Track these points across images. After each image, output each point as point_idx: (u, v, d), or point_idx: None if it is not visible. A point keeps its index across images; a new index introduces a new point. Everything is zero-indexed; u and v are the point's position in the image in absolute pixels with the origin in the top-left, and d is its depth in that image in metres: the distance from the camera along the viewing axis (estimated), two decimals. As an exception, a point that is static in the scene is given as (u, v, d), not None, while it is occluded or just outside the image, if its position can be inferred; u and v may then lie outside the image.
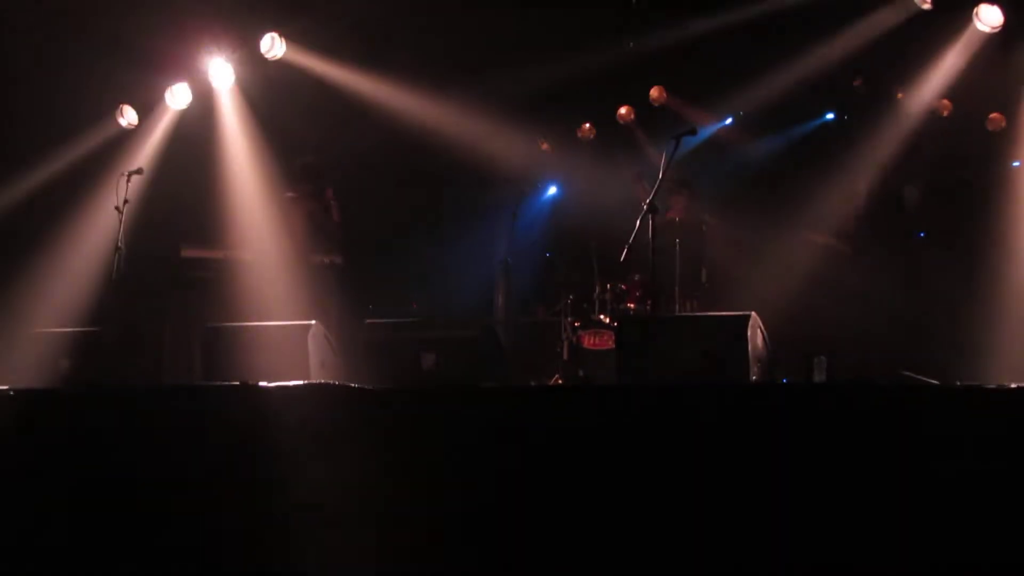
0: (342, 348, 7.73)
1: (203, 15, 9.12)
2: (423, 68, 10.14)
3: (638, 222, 7.41)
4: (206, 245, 9.40)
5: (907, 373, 7.99)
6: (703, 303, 9.50)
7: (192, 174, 10.36)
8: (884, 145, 9.97)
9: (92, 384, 5.88)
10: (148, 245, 9.52)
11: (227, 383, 6.17)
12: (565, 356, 9.10)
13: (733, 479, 4.38)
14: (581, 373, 8.89)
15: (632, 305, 9.08)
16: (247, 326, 7.85)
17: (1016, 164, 10.91)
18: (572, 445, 4.69)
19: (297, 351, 7.08)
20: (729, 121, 11.59)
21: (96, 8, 8.69)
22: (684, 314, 8.93)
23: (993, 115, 10.65)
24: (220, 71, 9.76)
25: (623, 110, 11.43)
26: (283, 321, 8.31)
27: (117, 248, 7.95)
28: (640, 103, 11.15)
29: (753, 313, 6.25)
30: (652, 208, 7.34)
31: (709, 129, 11.35)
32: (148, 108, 9.95)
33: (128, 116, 9.92)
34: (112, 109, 9.89)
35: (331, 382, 6.47)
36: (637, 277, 9.06)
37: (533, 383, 9.60)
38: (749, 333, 5.96)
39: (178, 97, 9.88)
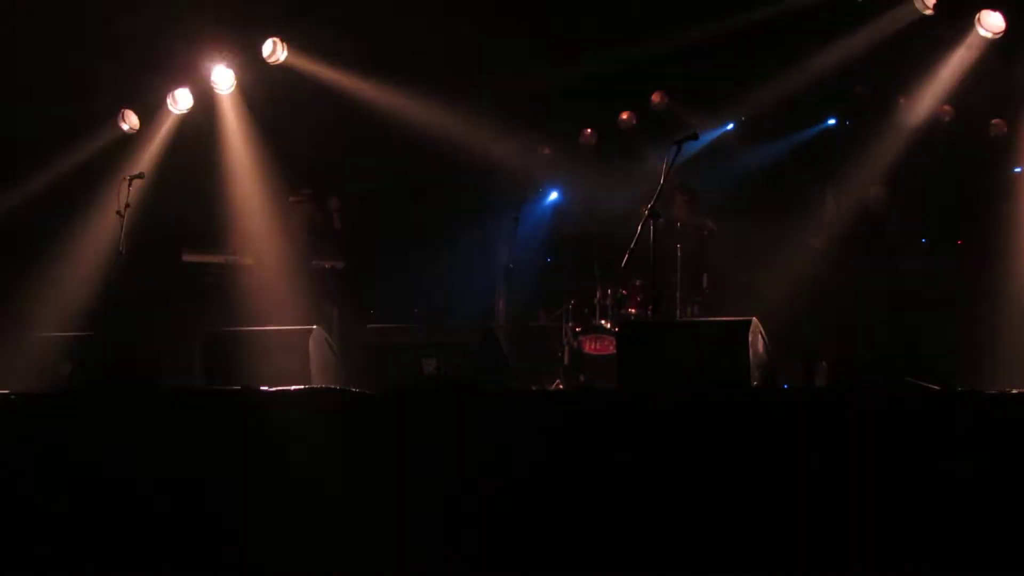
0: (343, 353, 7.73)
1: (205, 20, 9.12)
2: (425, 73, 10.13)
3: (639, 227, 7.42)
4: (207, 250, 9.40)
5: (908, 379, 7.97)
6: (704, 308, 9.50)
7: (194, 179, 10.36)
8: (885, 150, 9.96)
9: (93, 389, 5.87)
10: (149, 250, 9.53)
11: (228, 388, 6.17)
12: (566, 361, 9.10)
13: (735, 484, 4.37)
14: (582, 378, 8.88)
15: (633, 310, 9.08)
16: (248, 331, 7.85)
17: (1018, 170, 10.91)
18: (572, 448, 4.69)
19: (298, 356, 7.08)
20: (731, 126, 11.59)
21: (98, 13, 8.70)
22: (685, 319, 8.92)
23: (995, 121, 10.65)
24: (222, 76, 9.77)
25: (625, 115, 11.43)
26: (284, 326, 8.32)
27: (118, 252, 7.94)
28: (642, 108, 11.14)
29: (754, 319, 6.24)
30: (654, 213, 7.35)
31: (711, 134, 11.34)
32: (150, 113, 9.96)
33: (130, 121, 9.92)
34: (114, 114, 9.90)
35: (332, 387, 6.47)
36: (638, 282, 9.06)
37: (534, 388, 9.61)
38: (750, 339, 5.95)
39: (180, 102, 9.89)
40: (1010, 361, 8.66)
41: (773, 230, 10.99)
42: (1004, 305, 8.97)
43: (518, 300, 10.05)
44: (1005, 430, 4.15)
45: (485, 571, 4.65)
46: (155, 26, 8.84)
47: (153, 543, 5.16)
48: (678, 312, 9.08)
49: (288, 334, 7.44)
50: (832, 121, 11.33)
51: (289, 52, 9.77)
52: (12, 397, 5.69)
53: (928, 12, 9.04)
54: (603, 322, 9.09)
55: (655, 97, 10.99)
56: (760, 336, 6.25)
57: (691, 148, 8.36)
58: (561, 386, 9.13)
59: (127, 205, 8.16)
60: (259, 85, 9.97)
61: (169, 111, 9.96)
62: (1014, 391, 4.41)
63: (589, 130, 11.79)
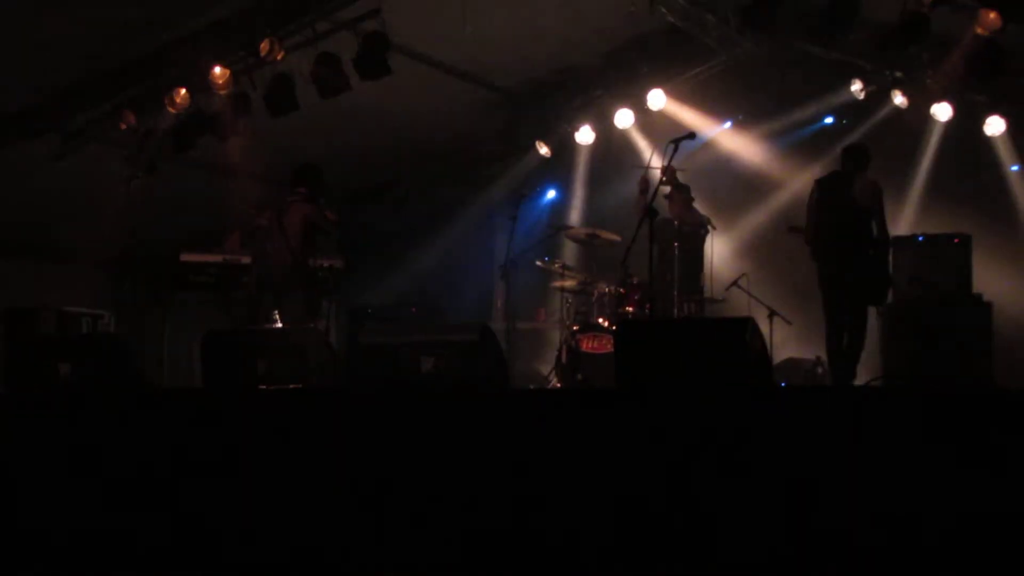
0: (341, 351, 7.74)
1: (205, 18, 9.10)
2: (422, 69, 10.13)
3: (637, 225, 7.45)
4: (206, 249, 9.39)
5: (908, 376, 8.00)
6: (702, 307, 9.52)
7: (192, 178, 10.38)
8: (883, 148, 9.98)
9: (92, 389, 5.89)
10: (148, 249, 9.54)
11: (227, 387, 6.18)
12: (564, 360, 9.09)
13: (734, 482, 4.38)
14: (580, 377, 8.88)
15: (631, 309, 9.08)
16: (247, 330, 7.86)
17: (1015, 168, 10.94)
18: (569, 448, 4.70)
19: (296, 354, 7.08)
20: (728, 125, 11.61)
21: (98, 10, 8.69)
22: (683, 318, 8.93)
23: (992, 118, 10.66)
24: (219, 75, 9.75)
25: (622, 114, 11.45)
26: (283, 325, 8.33)
27: (118, 251, 7.95)
28: (639, 107, 11.15)
29: (752, 317, 6.26)
30: (651, 211, 7.38)
31: (708, 133, 11.37)
32: (148, 112, 9.94)
33: (128, 120, 9.91)
34: (113, 113, 9.88)
35: (330, 385, 6.48)
36: (636, 280, 9.07)
37: (532, 387, 9.62)
38: (748, 337, 5.95)
39: (178, 101, 9.86)
40: (1009, 359, 8.69)
41: (771, 228, 11.02)
42: (1003, 303, 8.99)
43: (516, 299, 10.05)
44: (1003, 428, 4.15)
45: (482, 572, 4.66)
46: (155, 23, 8.82)
47: (151, 540, 5.17)
48: (676, 310, 9.09)
49: (287, 333, 7.46)
50: (829, 120, 11.36)
51: (285, 51, 9.74)
52: (11, 397, 5.71)
53: (925, 10, 9.02)
54: (601, 320, 9.10)
55: (652, 96, 10.99)
56: (758, 334, 6.25)
57: (688, 147, 8.37)
58: (559, 385, 9.14)
59: (127, 204, 8.18)
60: (258, 83, 9.94)
61: (167, 110, 9.94)
62: (1012, 388, 4.42)
63: (586, 128, 11.81)
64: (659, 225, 8.19)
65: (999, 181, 10.92)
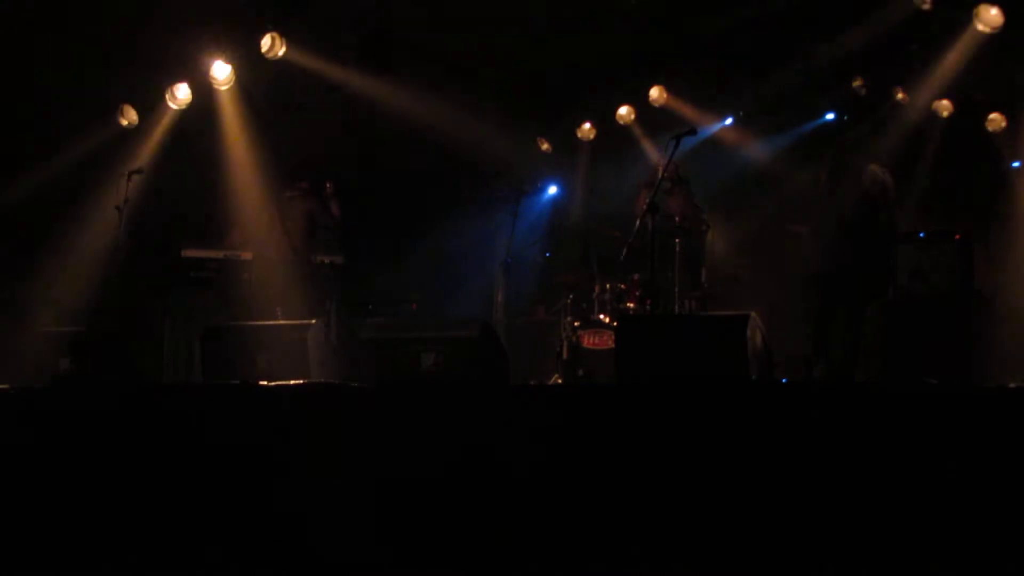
0: (342, 347, 7.74)
1: (204, 14, 9.10)
2: (423, 66, 10.13)
3: (638, 221, 7.45)
4: (206, 245, 9.40)
5: (907, 374, 8.00)
6: (702, 303, 9.51)
7: (193, 174, 10.37)
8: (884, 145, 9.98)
9: (92, 384, 5.89)
10: (148, 245, 9.53)
11: (227, 382, 6.19)
12: (565, 356, 9.09)
13: (733, 478, 4.38)
14: (581, 373, 8.88)
15: (632, 305, 9.08)
16: (247, 325, 7.86)
17: (1016, 164, 10.93)
18: (571, 444, 4.70)
19: (297, 350, 7.09)
20: (729, 121, 11.61)
21: (97, 8, 8.69)
22: (684, 314, 8.92)
23: (993, 115, 10.66)
24: (220, 71, 9.76)
25: (623, 110, 11.44)
26: (283, 320, 8.32)
27: (118, 248, 7.95)
28: (640, 103, 11.15)
29: (753, 313, 6.26)
30: (652, 207, 7.38)
31: (709, 129, 11.36)
32: (149, 108, 9.95)
33: (128, 116, 9.92)
34: (113, 109, 9.89)
35: (331, 381, 6.49)
36: (637, 276, 9.06)
37: (532, 383, 9.62)
38: (748, 333, 5.96)
39: (178, 96, 9.88)
40: (1009, 355, 8.68)
41: (772, 225, 11.01)
42: (1004, 300, 8.98)
43: (517, 294, 10.05)
44: (1003, 426, 4.15)
45: (482, 568, 4.66)
46: (154, 21, 8.82)
47: (150, 537, 5.17)
48: (676, 306, 9.09)
49: (287, 329, 7.46)
50: (831, 116, 11.36)
51: (288, 46, 9.76)
52: (11, 392, 5.71)
53: (926, 7, 9.03)
54: (602, 316, 9.10)
55: (654, 92, 11.00)
56: (758, 331, 6.26)
57: (690, 143, 8.37)
58: (560, 381, 9.14)
59: (126, 200, 8.18)
60: (258, 79, 9.95)
61: (168, 106, 9.95)
62: (1012, 386, 4.42)
63: (588, 124, 11.80)
64: (660, 221, 8.19)
65: (999, 178, 10.91)
